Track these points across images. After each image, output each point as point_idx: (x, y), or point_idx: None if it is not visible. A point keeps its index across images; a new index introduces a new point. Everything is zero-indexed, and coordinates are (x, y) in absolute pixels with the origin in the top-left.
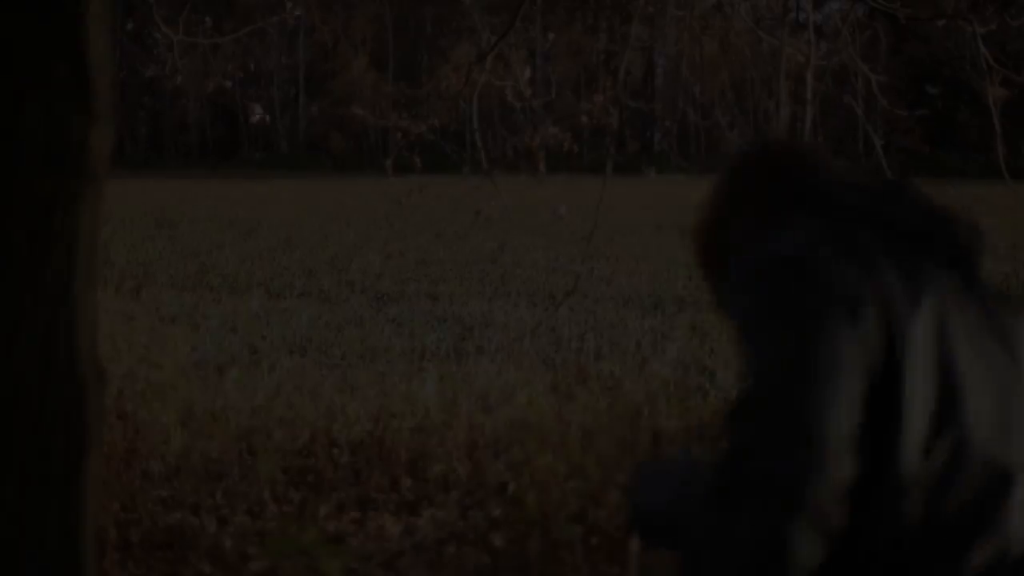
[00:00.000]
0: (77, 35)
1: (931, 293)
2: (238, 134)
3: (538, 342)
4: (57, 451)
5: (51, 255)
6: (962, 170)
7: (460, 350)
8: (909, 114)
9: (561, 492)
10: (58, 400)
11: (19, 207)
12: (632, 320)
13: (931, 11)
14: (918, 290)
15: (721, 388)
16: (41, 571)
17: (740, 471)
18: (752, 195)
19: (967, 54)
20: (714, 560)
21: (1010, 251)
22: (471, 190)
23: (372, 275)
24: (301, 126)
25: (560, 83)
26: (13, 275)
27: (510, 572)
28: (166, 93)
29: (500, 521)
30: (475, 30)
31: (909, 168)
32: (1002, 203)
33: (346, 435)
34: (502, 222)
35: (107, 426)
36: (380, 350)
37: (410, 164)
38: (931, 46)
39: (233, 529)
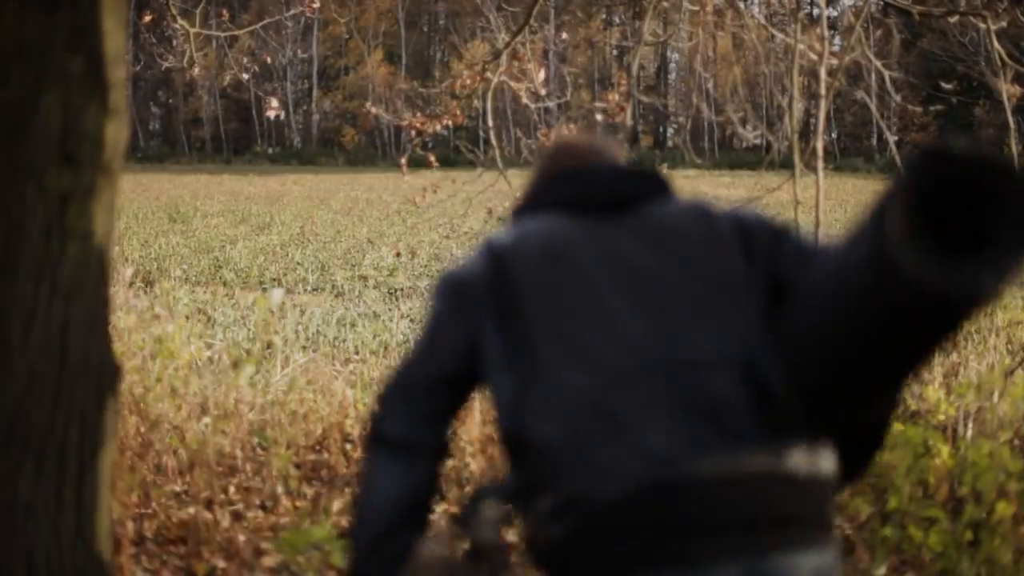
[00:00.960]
0: (93, 28)
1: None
2: (251, 129)
3: None
4: (72, 446)
5: (66, 249)
6: None
7: None
8: (924, 110)
9: None
10: (73, 395)
11: (34, 201)
12: None
13: (945, 7)
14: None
15: None
16: (58, 566)
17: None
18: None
19: (981, 50)
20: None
21: None
22: (485, 187)
23: (385, 270)
24: (314, 121)
25: (574, 79)
26: (28, 269)
27: (524, 568)
28: (180, 87)
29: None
30: (487, 28)
31: None
32: None
33: (359, 430)
34: None
35: (121, 421)
36: (393, 346)
37: (424, 161)
38: (945, 42)
39: (247, 524)
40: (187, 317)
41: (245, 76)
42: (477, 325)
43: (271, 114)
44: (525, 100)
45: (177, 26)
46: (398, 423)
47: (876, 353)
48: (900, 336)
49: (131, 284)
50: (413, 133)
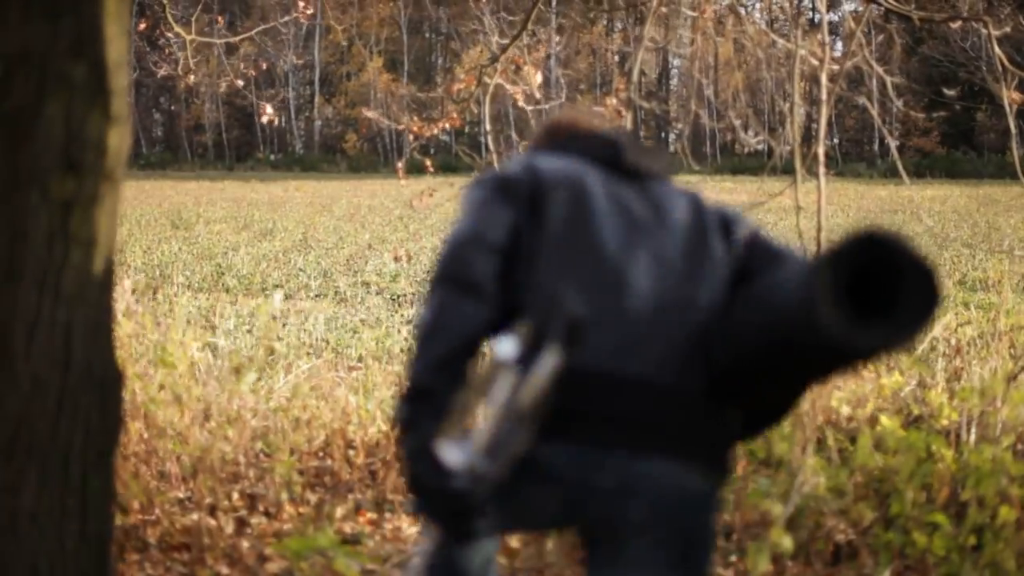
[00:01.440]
0: (95, 36)
1: (584, 195)
2: (253, 135)
3: None
4: (76, 452)
5: (69, 256)
6: (978, 171)
7: None
8: (926, 115)
9: None
10: (76, 401)
11: (38, 208)
12: None
13: (946, 12)
14: (578, 192)
15: None
16: (62, 573)
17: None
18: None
19: (982, 56)
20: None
21: None
22: None
23: (388, 276)
24: (316, 127)
25: (575, 85)
26: (32, 276)
27: (527, 574)
28: (181, 94)
29: None
30: (488, 33)
31: (924, 169)
32: (1018, 204)
33: (362, 436)
34: None
35: (124, 427)
36: (396, 352)
37: (423, 167)
38: (947, 47)
39: (250, 530)
40: (189, 322)
41: (240, 83)
42: (518, 214)
43: (265, 119)
44: (521, 103)
45: (171, 35)
46: (471, 269)
47: (785, 367)
48: (807, 363)
49: (134, 291)
50: (411, 138)
